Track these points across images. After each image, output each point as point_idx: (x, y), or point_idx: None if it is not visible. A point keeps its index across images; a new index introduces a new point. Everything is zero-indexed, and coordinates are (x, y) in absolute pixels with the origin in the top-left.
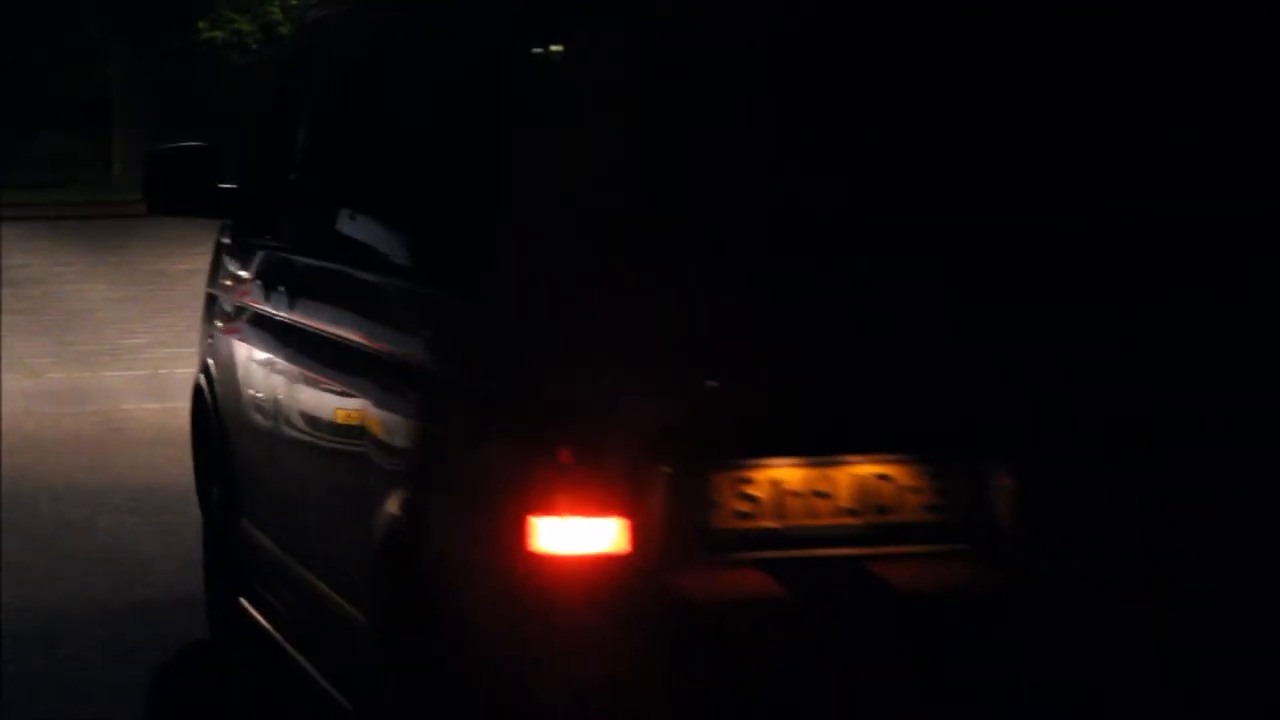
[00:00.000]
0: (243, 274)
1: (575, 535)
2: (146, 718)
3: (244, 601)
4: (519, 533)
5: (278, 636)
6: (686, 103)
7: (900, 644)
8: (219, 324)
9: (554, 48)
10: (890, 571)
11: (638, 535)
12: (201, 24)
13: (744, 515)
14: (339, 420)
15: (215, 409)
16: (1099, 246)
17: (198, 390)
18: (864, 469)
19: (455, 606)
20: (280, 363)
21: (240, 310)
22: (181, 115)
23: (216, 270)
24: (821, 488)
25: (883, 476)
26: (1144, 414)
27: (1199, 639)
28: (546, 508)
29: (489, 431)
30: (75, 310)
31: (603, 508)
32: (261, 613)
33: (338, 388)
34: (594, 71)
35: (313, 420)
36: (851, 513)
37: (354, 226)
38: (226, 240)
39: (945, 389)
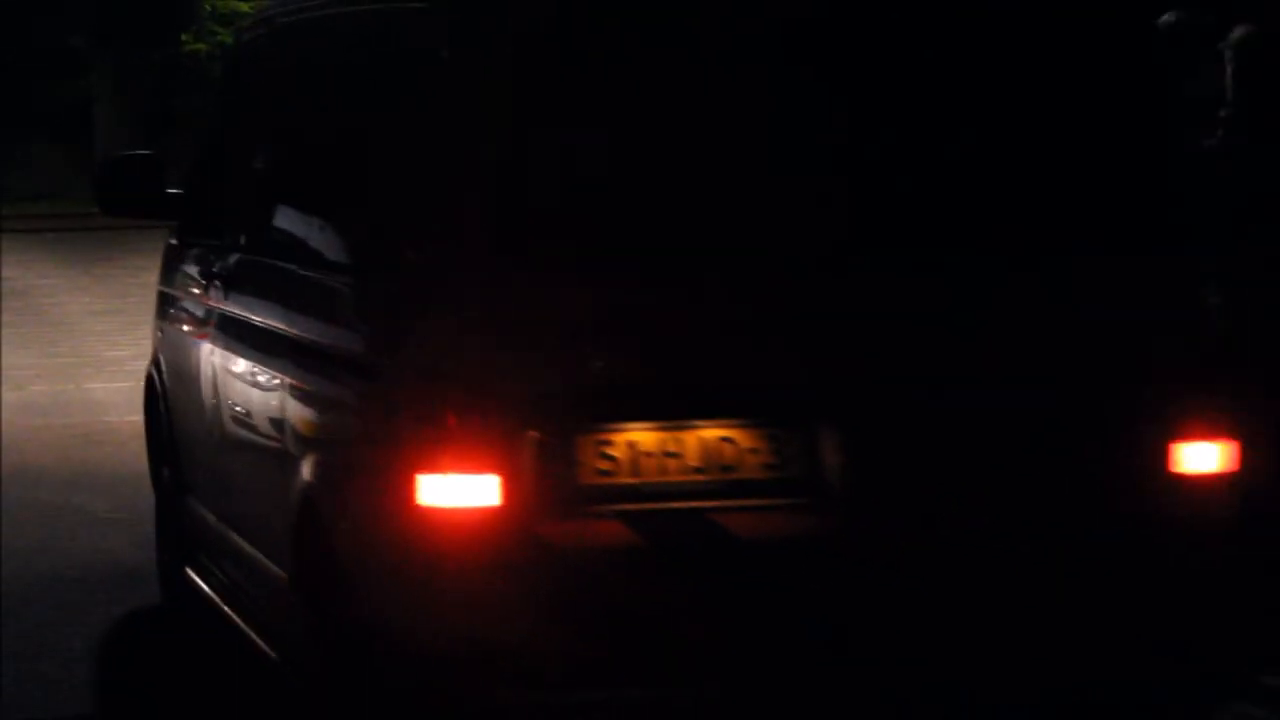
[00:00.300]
0: (185, 271)
1: (456, 491)
2: (105, 669)
3: (189, 570)
4: (408, 490)
5: (217, 599)
6: (559, 115)
7: (741, 586)
8: (167, 319)
9: (444, 62)
10: (732, 522)
11: (510, 491)
12: (185, 37)
13: (604, 473)
14: (264, 401)
15: (164, 396)
16: (909, 236)
17: (149, 380)
18: (709, 432)
19: (356, 559)
20: (216, 351)
21: (184, 305)
22: (164, 126)
23: (164, 269)
24: (672, 449)
25: (726, 439)
26: (951, 378)
27: (1003, 571)
28: (431, 467)
29: (384, 402)
30: (58, 322)
31: (480, 467)
32: (204, 579)
33: (262, 371)
34: (480, 88)
35: (242, 402)
36: (698, 470)
37: (274, 226)
38: (174, 241)
39: (780, 361)
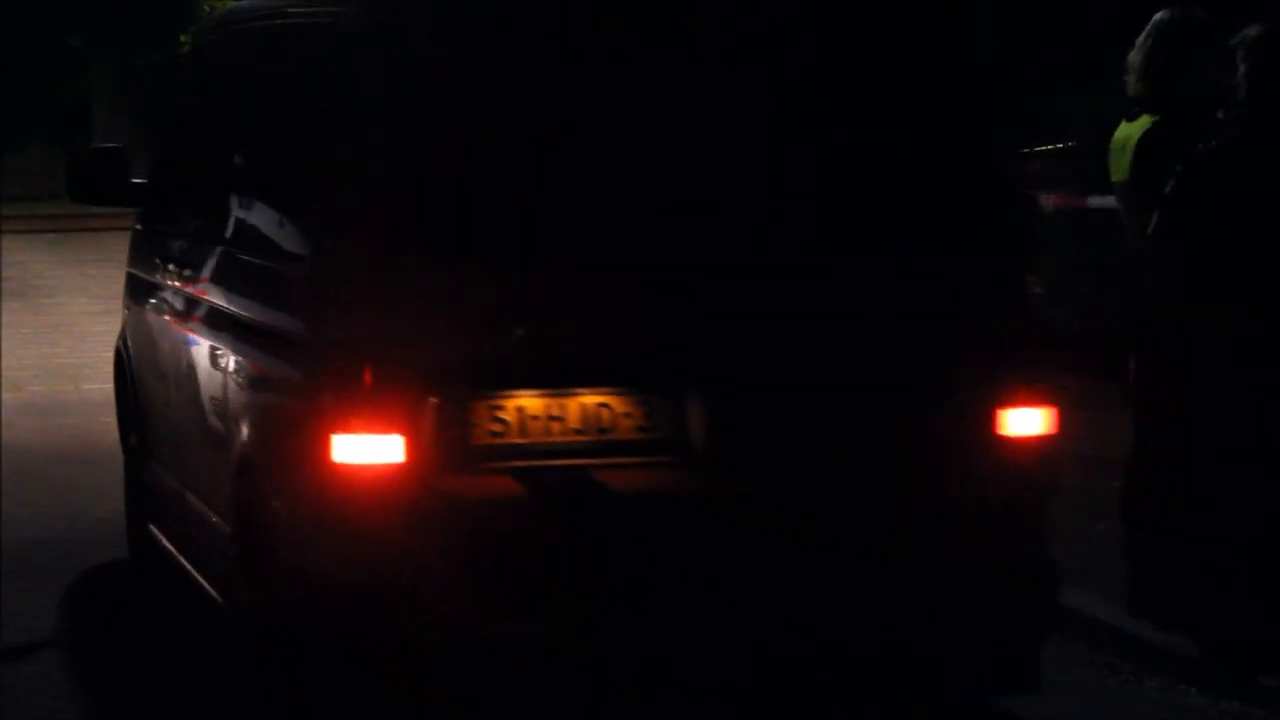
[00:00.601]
0: (146, 254)
1: (366, 449)
2: (77, 612)
3: (152, 526)
4: (325, 449)
5: (174, 552)
6: (453, 122)
7: (615, 532)
8: (132, 297)
9: (354, 76)
10: (608, 477)
11: (413, 449)
12: (184, 37)
13: (496, 434)
14: (209, 372)
15: (130, 370)
16: (763, 229)
17: (118, 354)
18: (589, 399)
19: (283, 511)
20: (170, 327)
21: (144, 285)
22: (163, 126)
23: (130, 252)
24: (556, 413)
25: (603, 404)
26: (800, 354)
27: (845, 521)
28: (345, 429)
29: (306, 373)
30: (58, 323)
31: (387, 428)
32: (165, 534)
33: (208, 345)
34: (385, 100)
35: (192, 373)
36: (579, 432)
37: (216, 214)
38: (138, 227)
39: (651, 337)
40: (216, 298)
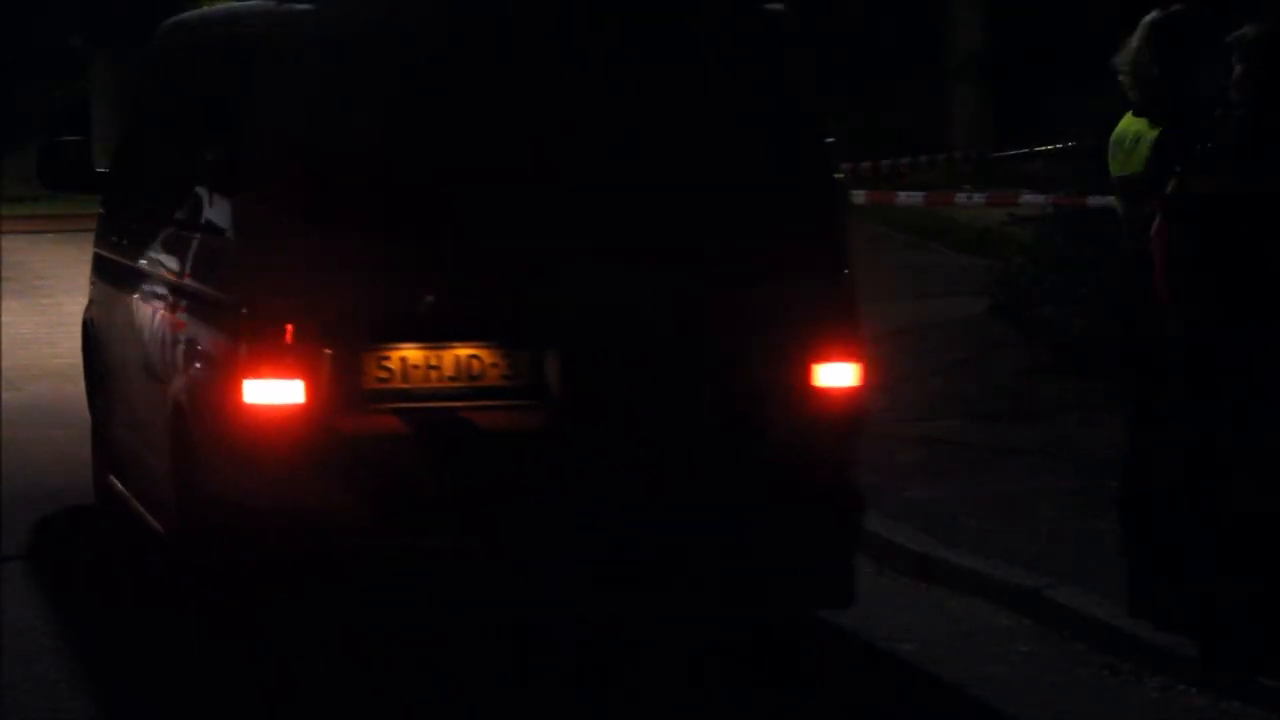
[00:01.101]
0: (106, 233)
1: (272, 392)
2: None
3: (111, 476)
4: (237, 392)
5: (128, 494)
6: (345, 113)
7: (484, 462)
8: (96, 273)
9: (268, 77)
10: (478, 417)
11: (312, 392)
12: None
13: (382, 380)
14: (151, 331)
15: (95, 337)
16: (614, 219)
17: (85, 323)
18: (462, 351)
19: (206, 447)
20: (122, 295)
21: (106, 261)
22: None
23: (96, 232)
24: (434, 363)
25: (474, 356)
26: (641, 315)
27: (676, 457)
28: (254, 374)
29: (224, 326)
30: (58, 323)
31: (290, 374)
32: (120, 480)
33: (152, 309)
34: (286, 96)
35: (140, 334)
36: (453, 379)
37: (161, 197)
38: (102, 210)
39: (516, 300)
40: (158, 269)
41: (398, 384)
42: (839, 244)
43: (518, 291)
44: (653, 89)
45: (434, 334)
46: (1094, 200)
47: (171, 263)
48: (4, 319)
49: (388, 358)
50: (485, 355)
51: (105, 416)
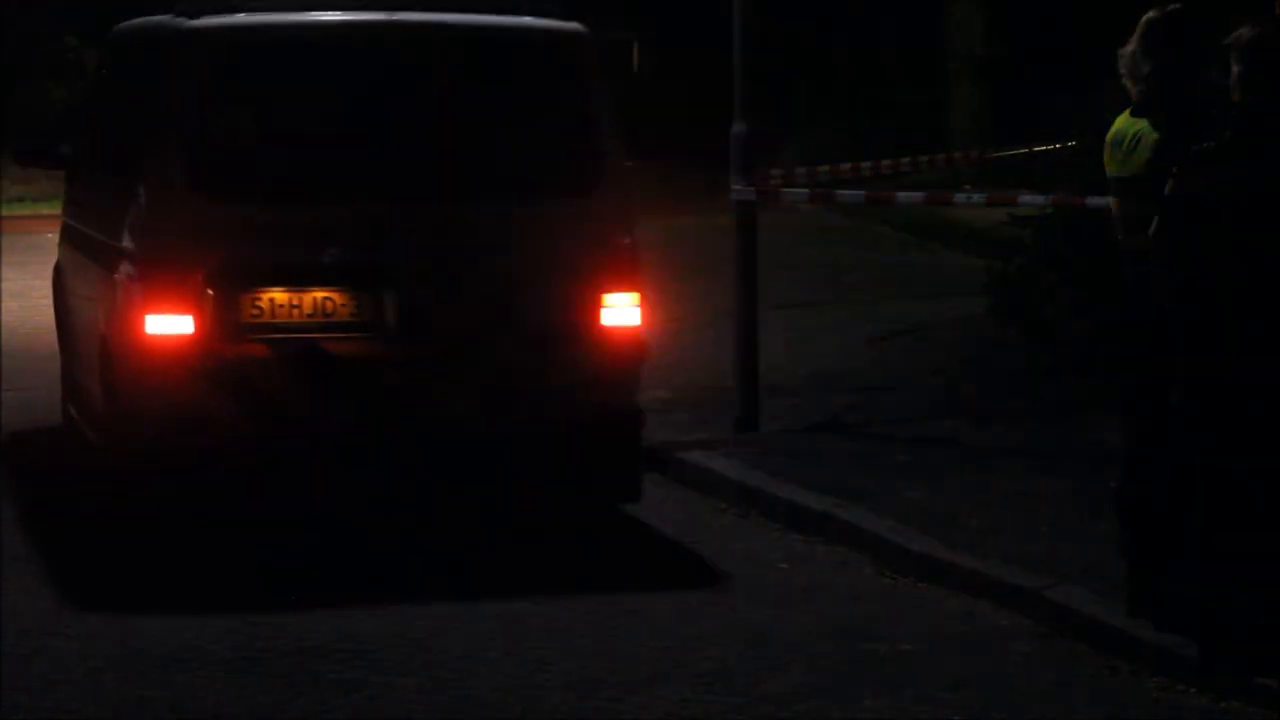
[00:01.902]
0: (67, 204)
1: (167, 325)
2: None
3: (69, 404)
4: (141, 325)
5: (76, 416)
6: (228, 109)
7: (334, 384)
8: (61, 236)
9: (167, 76)
10: (331, 345)
11: (199, 325)
12: None
13: (255, 316)
14: (87, 281)
15: (60, 288)
16: (442, 195)
17: (53, 280)
18: (318, 294)
19: (120, 370)
20: (75, 254)
21: (66, 225)
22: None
23: (62, 204)
24: (296, 303)
25: (328, 298)
26: (458, 268)
27: (487, 380)
28: (153, 311)
29: (133, 275)
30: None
31: (181, 311)
32: (74, 407)
33: (86, 263)
34: (180, 92)
35: (83, 283)
36: (311, 316)
37: (98, 173)
38: (65, 185)
39: (360, 255)
40: (94, 231)
41: (267, 319)
42: (621, 211)
43: (361, 249)
44: (467, 93)
45: (296, 280)
46: (1093, 200)
47: (103, 225)
48: (4, 319)
49: (259, 299)
50: (336, 297)
51: (67, 356)
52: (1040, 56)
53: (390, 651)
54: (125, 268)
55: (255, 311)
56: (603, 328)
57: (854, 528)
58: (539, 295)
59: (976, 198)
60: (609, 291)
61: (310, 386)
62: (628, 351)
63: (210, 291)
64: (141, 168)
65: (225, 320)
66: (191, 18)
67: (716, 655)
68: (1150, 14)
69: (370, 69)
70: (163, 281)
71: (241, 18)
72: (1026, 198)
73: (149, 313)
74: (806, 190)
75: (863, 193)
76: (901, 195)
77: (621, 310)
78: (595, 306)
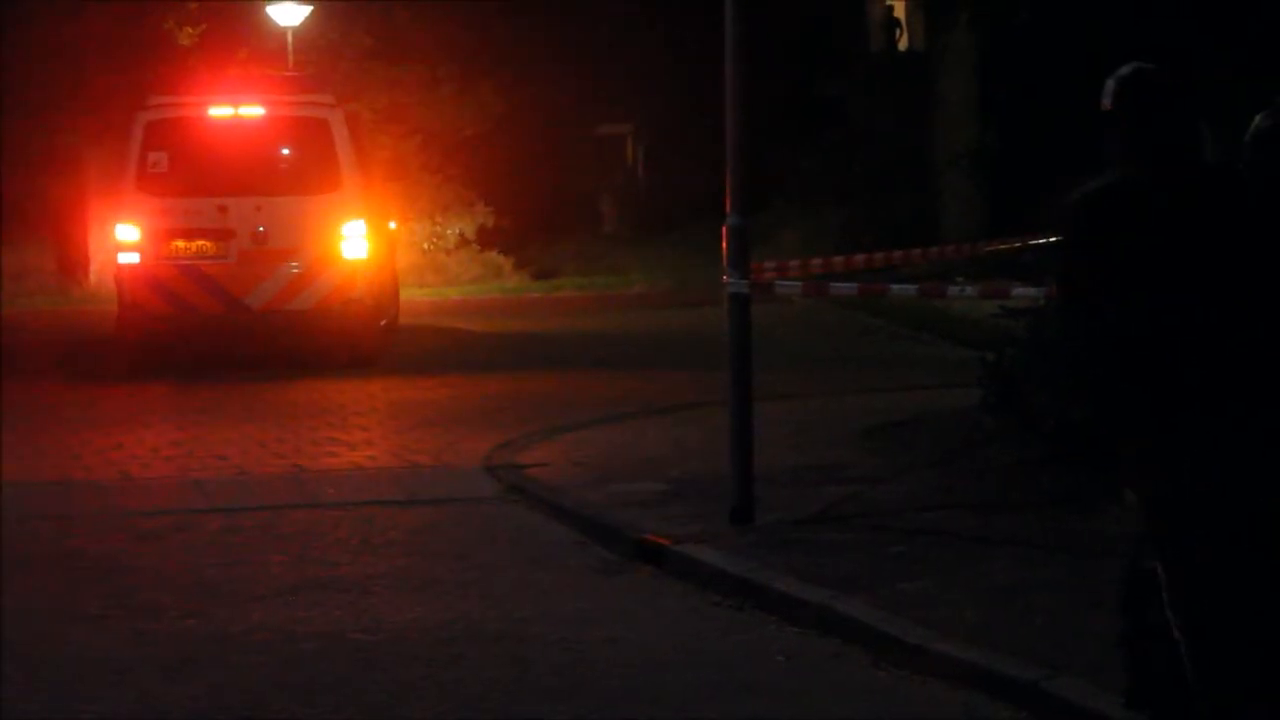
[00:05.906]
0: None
1: (130, 257)
2: None
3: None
4: (118, 256)
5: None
6: (168, 152)
7: (209, 284)
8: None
9: None
10: (208, 267)
11: (144, 257)
12: None
13: (175, 251)
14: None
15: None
16: (261, 189)
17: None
18: (205, 242)
19: (117, 279)
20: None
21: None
22: None
23: None
24: (193, 246)
25: (207, 244)
26: (267, 227)
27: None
28: (123, 250)
29: (118, 232)
30: None
31: (136, 250)
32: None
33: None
34: (148, 147)
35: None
36: (200, 252)
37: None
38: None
39: (229, 222)
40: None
41: (180, 256)
42: (368, 220)
43: (232, 221)
44: (278, 138)
45: (193, 236)
46: None
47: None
48: None
49: (177, 244)
50: (211, 244)
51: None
52: (1035, 148)
53: None
54: (117, 229)
55: (174, 250)
56: (345, 257)
57: (850, 620)
58: (315, 235)
59: (970, 290)
60: (344, 239)
61: (197, 287)
62: (363, 270)
63: (152, 238)
64: (125, 183)
65: (157, 255)
66: None
67: None
68: (1120, 70)
69: (241, 131)
70: (128, 234)
71: None
72: (1020, 290)
73: (120, 251)
74: (800, 282)
75: (855, 285)
76: (895, 287)
77: (355, 243)
78: (338, 242)
